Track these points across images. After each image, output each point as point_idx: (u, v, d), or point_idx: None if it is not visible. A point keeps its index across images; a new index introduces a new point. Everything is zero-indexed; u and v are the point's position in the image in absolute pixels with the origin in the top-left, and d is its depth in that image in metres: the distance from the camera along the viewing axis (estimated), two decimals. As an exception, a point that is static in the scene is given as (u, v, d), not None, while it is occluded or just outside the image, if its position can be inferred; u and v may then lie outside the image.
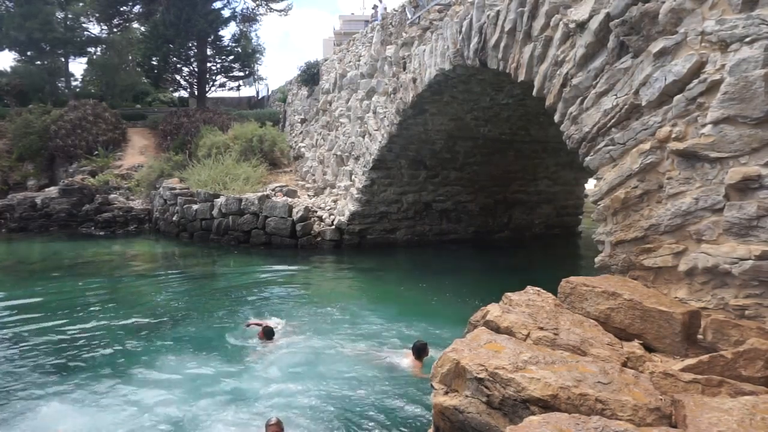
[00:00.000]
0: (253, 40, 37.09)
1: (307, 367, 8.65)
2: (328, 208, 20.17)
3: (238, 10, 36.31)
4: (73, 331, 10.46)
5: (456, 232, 20.12)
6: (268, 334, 9.58)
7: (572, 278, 5.90)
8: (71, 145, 28.89)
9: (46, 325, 10.88)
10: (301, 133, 26.28)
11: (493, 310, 5.46)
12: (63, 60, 38.21)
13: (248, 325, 10.21)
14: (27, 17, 32.96)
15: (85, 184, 26.02)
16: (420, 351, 8.29)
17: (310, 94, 25.24)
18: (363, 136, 18.45)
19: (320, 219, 19.74)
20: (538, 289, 6.06)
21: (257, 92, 44.06)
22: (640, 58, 6.56)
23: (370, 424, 6.83)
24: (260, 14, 37.35)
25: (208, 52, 34.07)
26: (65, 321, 11.08)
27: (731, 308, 5.44)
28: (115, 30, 38.39)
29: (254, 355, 9.17)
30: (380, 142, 16.98)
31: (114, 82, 40.06)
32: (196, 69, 34.00)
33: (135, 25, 38.48)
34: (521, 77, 9.19)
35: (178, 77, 34.43)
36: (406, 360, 8.43)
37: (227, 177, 21.94)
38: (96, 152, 28.93)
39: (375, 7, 23.67)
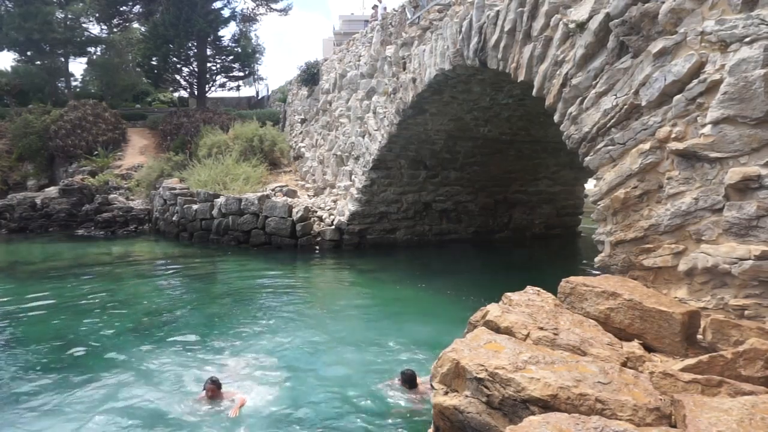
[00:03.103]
0: (252, 40, 37.16)
1: (305, 368, 8.66)
2: (328, 208, 20.18)
3: (238, 10, 36.40)
4: (72, 332, 10.44)
5: (456, 232, 20.12)
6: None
7: (572, 278, 5.91)
8: (71, 145, 28.88)
9: (45, 325, 10.87)
10: (301, 133, 26.28)
11: (493, 310, 5.47)
12: (63, 60, 38.21)
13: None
14: (26, 17, 32.95)
15: (85, 184, 26.01)
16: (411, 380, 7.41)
17: (310, 94, 25.25)
18: (363, 136, 18.45)
19: (320, 219, 19.74)
20: (538, 289, 6.06)
21: (257, 92, 44.13)
22: (640, 58, 6.56)
23: (370, 423, 6.84)
24: (260, 14, 37.44)
25: (208, 52, 34.09)
26: (64, 322, 11.07)
27: (731, 308, 5.44)
28: (115, 30, 38.42)
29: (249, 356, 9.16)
30: (380, 142, 16.98)
31: (114, 82, 40.07)
32: (196, 69, 34.02)
33: (135, 25, 38.52)
34: (521, 77, 9.19)
35: (178, 77, 34.46)
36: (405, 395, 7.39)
37: (227, 177, 21.93)
38: (96, 152, 28.93)
39: (375, 7, 23.68)
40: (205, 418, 6.95)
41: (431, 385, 4.68)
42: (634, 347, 5.05)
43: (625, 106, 6.72)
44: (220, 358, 8.96)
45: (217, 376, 7.75)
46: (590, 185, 19.69)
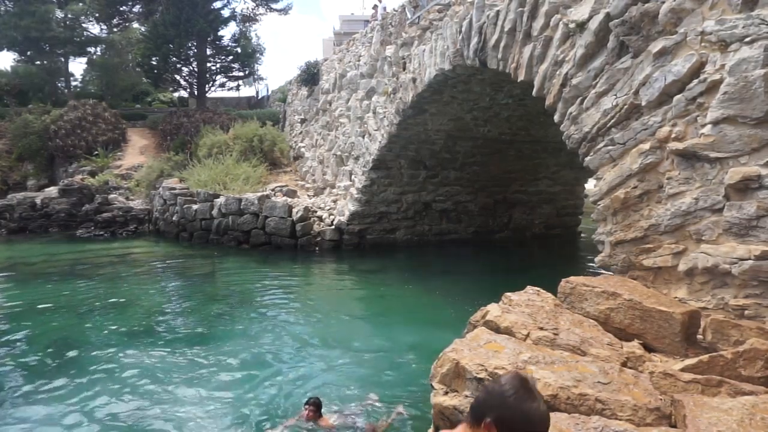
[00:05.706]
0: (253, 40, 37.15)
1: (298, 370, 8.67)
2: (328, 208, 20.16)
3: (238, 10, 36.39)
4: (71, 332, 10.44)
5: (456, 232, 20.11)
6: None
7: (572, 278, 5.90)
8: (71, 145, 28.87)
9: (44, 325, 10.88)
10: (300, 133, 26.28)
11: (493, 310, 5.46)
12: (63, 60, 38.20)
13: None
14: (23, 16, 32.91)
15: (84, 184, 25.99)
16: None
17: (310, 94, 25.24)
18: (363, 136, 18.44)
19: (320, 219, 19.73)
20: (538, 289, 6.05)
21: (257, 92, 44.12)
22: (640, 58, 6.55)
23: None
24: (260, 14, 37.42)
25: (208, 51, 34.07)
26: (63, 322, 11.08)
27: (731, 308, 5.44)
28: (115, 30, 38.42)
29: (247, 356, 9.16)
30: (380, 142, 16.97)
31: (114, 82, 40.05)
32: (195, 69, 34.00)
33: (135, 25, 38.51)
34: (521, 77, 9.18)
35: (177, 77, 34.43)
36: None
37: (227, 177, 21.92)
38: (96, 152, 28.92)
39: (375, 7, 23.67)
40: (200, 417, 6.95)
41: (431, 385, 4.68)
42: (634, 347, 5.04)
43: (625, 106, 6.71)
44: (214, 359, 8.95)
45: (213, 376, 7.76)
46: (590, 185, 19.68)
